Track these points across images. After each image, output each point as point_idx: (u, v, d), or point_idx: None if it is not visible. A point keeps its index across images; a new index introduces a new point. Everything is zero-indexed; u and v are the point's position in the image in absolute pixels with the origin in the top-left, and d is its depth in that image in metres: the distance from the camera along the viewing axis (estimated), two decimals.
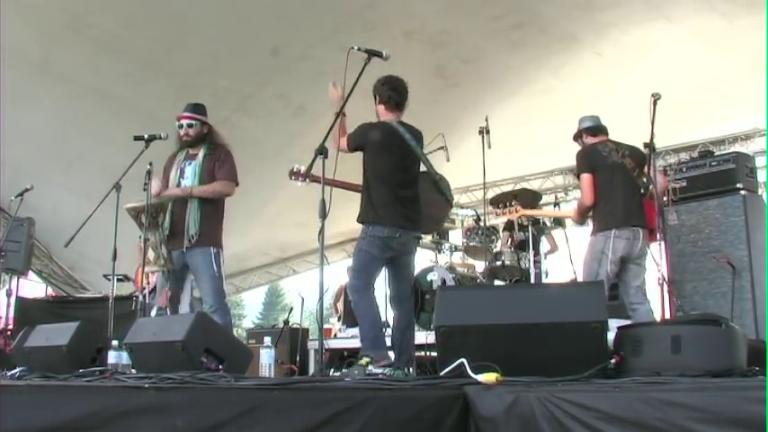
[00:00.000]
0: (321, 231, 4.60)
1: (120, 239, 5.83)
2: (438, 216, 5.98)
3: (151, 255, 5.49)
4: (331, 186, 5.25)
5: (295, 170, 6.04)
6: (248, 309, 46.75)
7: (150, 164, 5.51)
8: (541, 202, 10.06)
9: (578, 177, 5.99)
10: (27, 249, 8.89)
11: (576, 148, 6.17)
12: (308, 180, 5.59)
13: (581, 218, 6.09)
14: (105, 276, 8.59)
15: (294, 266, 13.60)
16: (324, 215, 4.62)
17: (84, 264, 11.43)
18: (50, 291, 11.42)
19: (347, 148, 5.36)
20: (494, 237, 8.89)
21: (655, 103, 5.28)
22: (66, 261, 11.56)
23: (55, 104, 8.93)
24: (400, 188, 5.33)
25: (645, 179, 5.68)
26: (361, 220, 5.32)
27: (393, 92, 5.49)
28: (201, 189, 5.65)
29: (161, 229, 5.52)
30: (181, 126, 5.79)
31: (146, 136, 5.71)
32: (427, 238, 9.15)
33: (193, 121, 5.79)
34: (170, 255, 5.57)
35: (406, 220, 5.29)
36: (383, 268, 5.40)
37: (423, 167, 5.62)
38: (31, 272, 10.10)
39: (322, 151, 4.67)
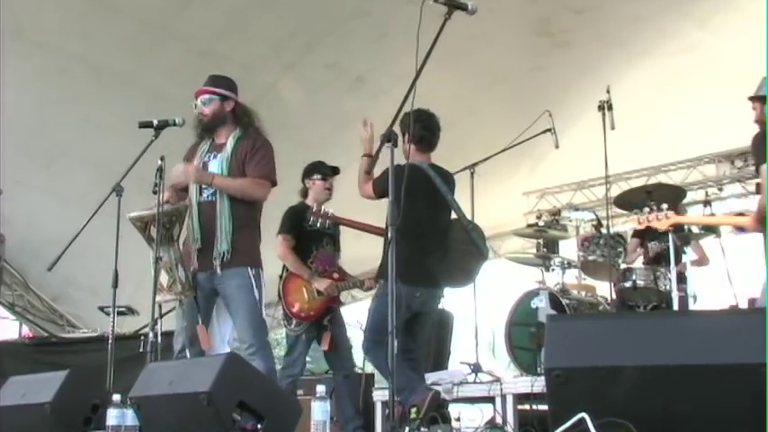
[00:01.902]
0: (391, 242, 4.63)
1: (123, 259, 5.91)
2: (471, 269, 6.48)
3: (164, 279, 5.52)
4: (357, 229, 6.45)
5: (315, 210, 6.58)
6: None
7: (162, 158, 5.52)
8: (685, 201, 9.90)
9: (757, 170, 5.90)
10: None
11: (742, 124, 6.08)
12: (328, 222, 6.56)
13: (760, 225, 5.98)
14: (102, 309, 8.77)
15: (354, 291, 13.62)
16: (395, 221, 4.65)
17: (72, 293, 11.66)
18: (27, 330, 11.66)
19: (373, 195, 6.03)
20: (620, 248, 8.80)
21: None
22: (48, 290, 11.80)
23: (30, 81, 9.11)
24: (426, 240, 6.04)
25: None
26: (378, 274, 6.02)
27: (426, 131, 6.20)
28: (227, 181, 5.74)
29: (177, 245, 5.59)
30: (196, 104, 5.92)
31: (155, 122, 5.77)
32: (529, 252, 9.12)
33: (207, 96, 5.89)
34: (191, 278, 5.63)
35: (429, 278, 6.04)
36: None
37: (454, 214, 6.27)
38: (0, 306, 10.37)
39: (390, 137, 4.69)
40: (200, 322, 5.63)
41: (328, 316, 7.08)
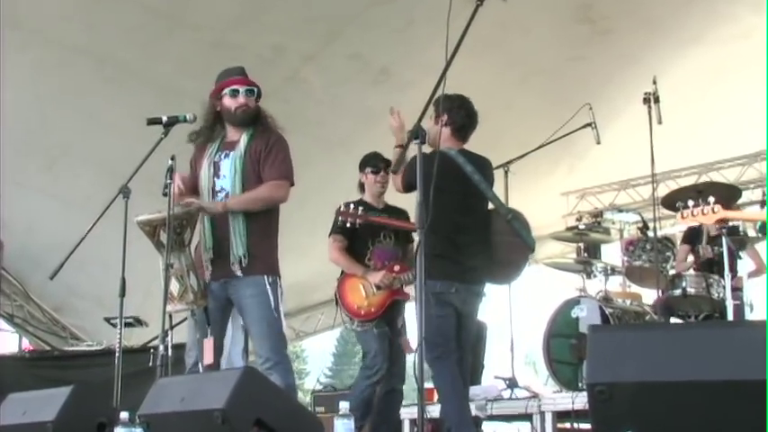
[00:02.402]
0: (419, 246, 4.64)
1: (130, 267, 5.93)
2: (515, 262, 6.44)
3: (175, 288, 5.51)
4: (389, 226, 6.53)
5: (342, 209, 6.63)
6: (313, 362, 47.31)
7: (172, 158, 5.52)
8: (741, 201, 9.84)
9: None
10: None
11: None
12: (358, 221, 6.58)
13: None
14: (108, 321, 8.80)
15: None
16: (423, 224, 4.66)
17: (76, 303, 11.70)
18: (27, 343, 11.70)
19: (401, 188, 6.11)
20: (668, 252, 8.78)
21: None
22: (50, 300, 11.83)
23: (29, 75, 9.13)
24: (459, 234, 6.06)
25: None
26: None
27: (468, 119, 6.22)
28: (242, 199, 5.73)
29: (188, 251, 5.60)
30: (235, 93, 5.85)
31: (164, 118, 5.75)
32: (569, 257, 9.10)
33: (255, 88, 5.92)
34: (204, 287, 5.66)
35: (464, 273, 6.03)
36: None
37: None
38: None
39: (417, 134, 4.71)
40: (209, 335, 5.63)
41: (399, 313, 7.09)
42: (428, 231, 5.76)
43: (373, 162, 7.23)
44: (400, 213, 7.10)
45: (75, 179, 10.01)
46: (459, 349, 6.09)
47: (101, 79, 9.13)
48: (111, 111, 9.25)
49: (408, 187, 5.99)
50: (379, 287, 6.91)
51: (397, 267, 7.00)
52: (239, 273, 5.65)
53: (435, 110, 6.00)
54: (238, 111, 5.84)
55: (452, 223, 5.99)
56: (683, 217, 6.40)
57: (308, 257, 10.86)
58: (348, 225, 6.71)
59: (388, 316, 7.00)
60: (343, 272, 7.11)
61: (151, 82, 8.97)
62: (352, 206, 6.71)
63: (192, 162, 6.01)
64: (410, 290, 7.05)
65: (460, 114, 6.16)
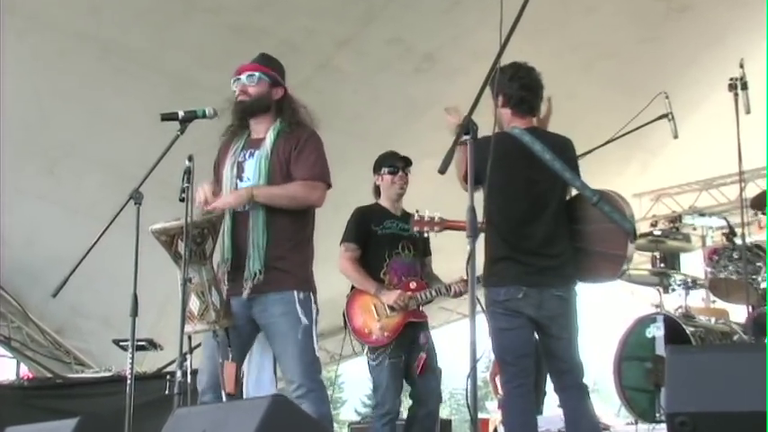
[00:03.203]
0: (470, 258, 4.63)
1: (143, 282, 5.91)
2: (613, 254, 6.14)
3: (195, 305, 5.49)
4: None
5: (417, 218, 6.61)
6: (351, 390, 47.42)
7: (190, 158, 5.49)
8: None
9: None
10: None
11: None
12: (436, 229, 6.51)
13: None
14: (118, 343, 8.87)
15: (447, 308, 13.72)
16: (474, 232, 4.65)
17: (81, 324, 11.79)
18: (26, 370, 11.70)
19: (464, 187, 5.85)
20: (759, 263, 8.71)
21: None
22: (51, 320, 11.93)
23: (27, 65, 9.20)
24: (527, 226, 5.91)
25: None
26: (482, 282, 5.87)
27: (525, 91, 6.05)
28: (270, 191, 5.72)
29: (210, 264, 5.59)
30: (236, 81, 5.88)
31: (180, 113, 5.73)
32: (643, 268, 9.05)
33: (257, 73, 5.87)
34: (227, 304, 5.63)
35: (535, 274, 5.83)
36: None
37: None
38: None
39: (468, 128, 4.69)
40: (230, 359, 5.59)
41: (417, 336, 7.10)
42: (490, 225, 5.76)
43: (390, 161, 7.27)
44: None
45: (79, 183, 10.10)
46: (568, 384, 5.95)
47: (108, 70, 9.21)
48: (120, 105, 9.33)
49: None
50: (393, 308, 6.93)
51: (413, 285, 7.05)
52: (248, 291, 5.62)
53: (492, 91, 5.85)
54: (238, 99, 5.87)
55: (519, 215, 5.91)
56: None
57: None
58: (426, 235, 6.81)
59: (404, 340, 7.02)
60: (353, 287, 7.12)
61: (165, 72, 9.04)
62: (427, 213, 6.68)
63: (215, 163, 6.04)
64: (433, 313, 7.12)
65: (513, 87, 6.02)
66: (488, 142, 5.26)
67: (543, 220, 5.94)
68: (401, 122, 9.48)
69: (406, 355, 7.02)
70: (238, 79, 5.87)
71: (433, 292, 7.18)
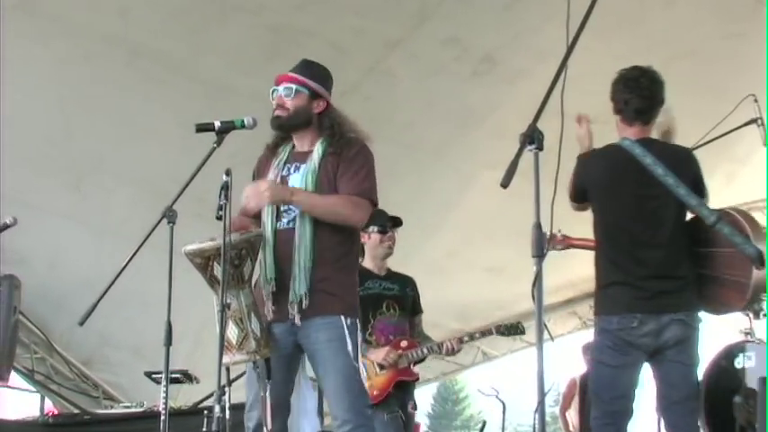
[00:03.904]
0: (537, 279, 4.64)
1: (177, 308, 5.99)
2: (736, 282, 6.12)
3: (233, 334, 5.52)
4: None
5: (550, 234, 6.66)
6: None
7: (228, 172, 5.50)
8: None
9: None
10: (7, 334, 9.06)
11: None
12: (558, 247, 6.62)
13: None
14: (150, 376, 8.92)
15: (486, 346, 13.80)
16: (540, 251, 4.66)
17: (110, 354, 11.86)
18: (50, 406, 11.81)
19: (574, 203, 6.02)
20: None
21: None
22: (78, 351, 12.01)
23: (49, 72, 9.29)
24: (640, 249, 5.93)
25: None
26: (594, 309, 6.00)
27: (631, 94, 6.05)
28: (314, 198, 5.73)
29: (249, 288, 5.61)
30: (273, 94, 5.91)
31: (216, 123, 5.77)
32: None
33: (294, 85, 5.88)
34: (268, 332, 5.65)
35: (650, 300, 5.83)
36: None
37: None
38: (14, 373, 10.45)
39: (533, 137, 4.68)
40: (268, 392, 5.57)
41: (410, 396, 7.41)
42: (600, 248, 5.80)
43: (380, 221, 7.37)
44: (406, 281, 7.48)
45: (107, 200, 10.16)
46: (682, 413, 6.01)
47: (137, 76, 9.28)
48: (151, 115, 9.38)
49: (580, 198, 5.99)
50: (382, 366, 7.03)
51: (404, 343, 7.30)
52: (297, 316, 5.63)
53: (612, 99, 6.06)
54: (274, 115, 5.89)
55: (631, 236, 5.92)
56: None
57: None
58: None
59: (398, 398, 7.20)
60: None
61: (199, 78, 9.08)
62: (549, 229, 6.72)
63: (254, 175, 6.06)
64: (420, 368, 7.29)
65: (619, 91, 6.08)
66: (596, 155, 5.30)
67: (658, 242, 5.95)
68: (458, 131, 9.48)
69: (401, 411, 7.20)
70: (276, 90, 5.90)
71: (425, 350, 7.49)
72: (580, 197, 5.87)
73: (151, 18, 8.81)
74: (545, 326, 4.86)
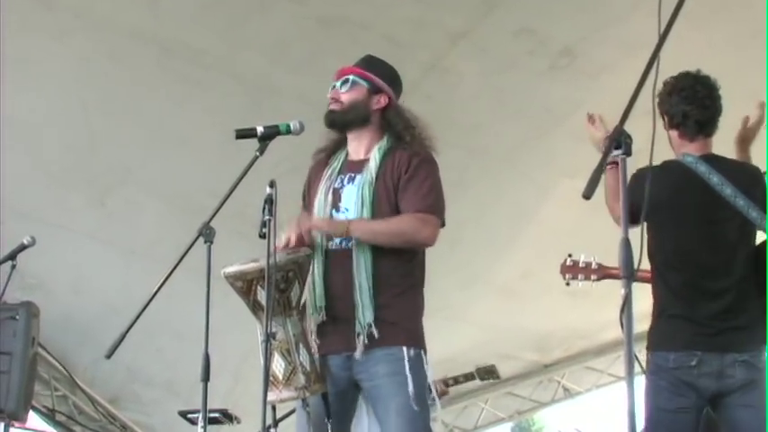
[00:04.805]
0: (626, 304, 4.61)
1: (215, 339, 5.89)
2: None
3: (279, 367, 5.51)
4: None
5: (569, 263, 6.83)
6: None
7: (272, 184, 5.47)
8: None
9: None
10: (24, 369, 9.09)
11: None
12: (593, 278, 6.69)
13: None
14: (185, 416, 8.98)
15: (567, 380, 13.80)
16: (630, 272, 4.62)
17: (140, 391, 11.90)
18: None
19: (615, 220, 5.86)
20: None
21: None
22: (104, 388, 12.04)
23: (71, 74, 9.35)
24: (704, 279, 5.90)
25: None
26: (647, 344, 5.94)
27: (690, 105, 5.98)
28: (371, 226, 5.69)
29: (296, 315, 5.59)
30: (333, 89, 5.91)
31: (259, 129, 5.75)
32: None
33: (352, 76, 5.88)
34: (319, 366, 5.63)
35: (714, 337, 5.79)
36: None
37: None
38: (32, 412, 10.58)
39: (620, 142, 4.64)
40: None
41: None
42: (658, 277, 5.78)
43: None
44: None
45: (136, 216, 10.21)
46: None
47: (169, 76, 9.33)
48: (184, 120, 9.41)
49: (631, 218, 5.89)
50: None
51: None
52: (361, 349, 5.56)
53: (660, 115, 5.97)
54: (329, 108, 5.87)
55: (695, 264, 5.88)
56: None
57: (463, 320, 10.86)
58: (580, 284, 6.88)
59: None
60: None
61: (238, 78, 9.11)
62: (582, 258, 6.72)
63: (304, 190, 6.08)
64: None
65: (673, 101, 5.99)
66: (654, 171, 5.27)
67: (727, 272, 5.90)
68: (533, 134, 9.46)
69: None
70: (334, 85, 5.90)
71: None
72: (632, 217, 5.79)
73: (184, 11, 8.83)
74: (635, 357, 4.83)
